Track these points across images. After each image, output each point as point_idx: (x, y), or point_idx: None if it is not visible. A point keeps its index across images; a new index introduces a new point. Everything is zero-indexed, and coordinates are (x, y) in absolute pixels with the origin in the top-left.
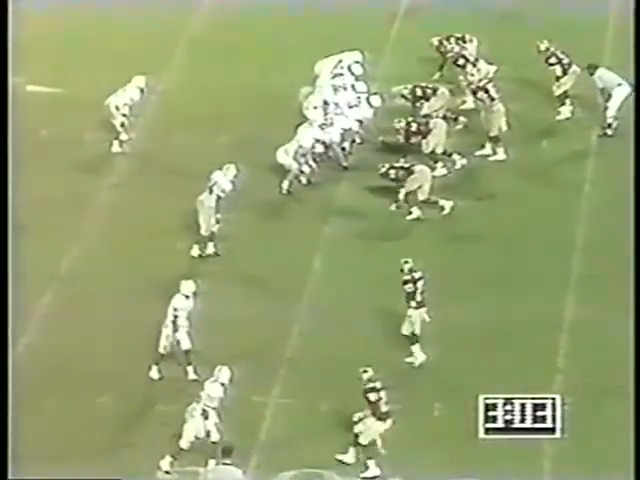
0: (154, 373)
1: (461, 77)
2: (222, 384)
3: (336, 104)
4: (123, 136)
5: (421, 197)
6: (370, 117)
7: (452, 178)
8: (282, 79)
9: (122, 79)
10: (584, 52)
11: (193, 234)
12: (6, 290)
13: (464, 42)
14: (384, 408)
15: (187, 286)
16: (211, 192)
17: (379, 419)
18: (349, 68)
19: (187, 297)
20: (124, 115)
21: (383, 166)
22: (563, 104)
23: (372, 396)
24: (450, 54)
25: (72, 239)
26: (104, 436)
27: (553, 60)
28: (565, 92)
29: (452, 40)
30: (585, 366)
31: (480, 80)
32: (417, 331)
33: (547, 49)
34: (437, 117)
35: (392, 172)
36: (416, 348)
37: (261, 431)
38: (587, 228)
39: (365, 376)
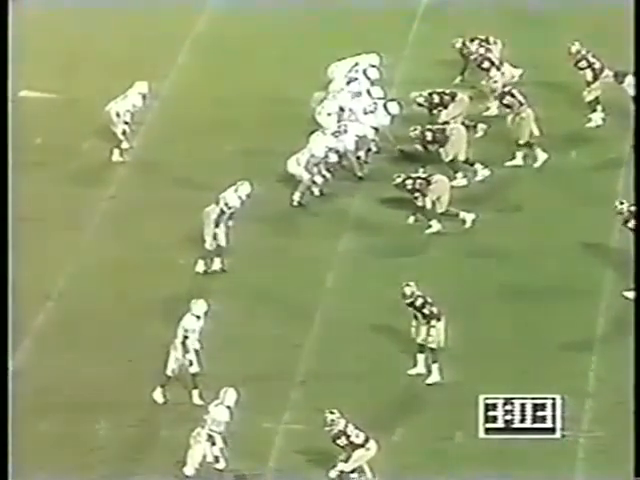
0: (158, 396)
1: (484, 81)
2: (228, 407)
3: (351, 110)
4: (124, 144)
5: (440, 209)
6: (387, 124)
7: (473, 189)
8: (293, 84)
9: (123, 84)
10: (615, 56)
11: (197, 249)
12: (6, 309)
13: (488, 44)
14: (358, 439)
15: (198, 306)
16: (217, 204)
17: (358, 448)
18: (364, 72)
19: (198, 317)
20: (125, 122)
21: (399, 176)
22: (594, 111)
23: (342, 441)
24: (474, 56)
25: (69, 254)
26: (103, 465)
27: (583, 64)
28: (596, 98)
29: (476, 42)
30: (616, 391)
31: (505, 85)
32: (433, 345)
33: (578, 52)
34: (456, 124)
35: (409, 182)
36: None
37: (270, 458)
38: (620, 243)
39: (329, 418)
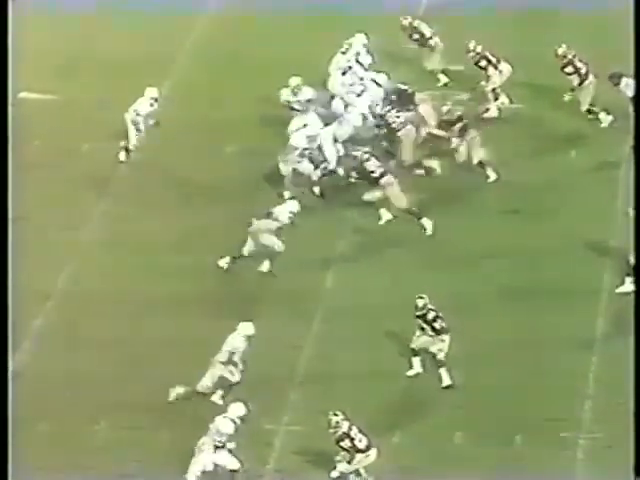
0: (172, 396)
1: (483, 82)
2: (233, 420)
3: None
4: (132, 146)
5: (400, 206)
6: (381, 96)
7: (475, 191)
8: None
9: (122, 85)
10: (610, 57)
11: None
12: (6, 309)
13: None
14: (361, 444)
15: (246, 328)
16: (267, 219)
17: (359, 452)
18: (357, 59)
19: (244, 338)
20: (138, 130)
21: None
22: (589, 112)
23: (345, 444)
24: (470, 54)
25: (69, 254)
26: (103, 466)
27: (570, 69)
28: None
29: (473, 41)
30: (616, 393)
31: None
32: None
33: (564, 56)
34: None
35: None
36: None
37: (270, 459)
38: (620, 242)
39: (333, 420)
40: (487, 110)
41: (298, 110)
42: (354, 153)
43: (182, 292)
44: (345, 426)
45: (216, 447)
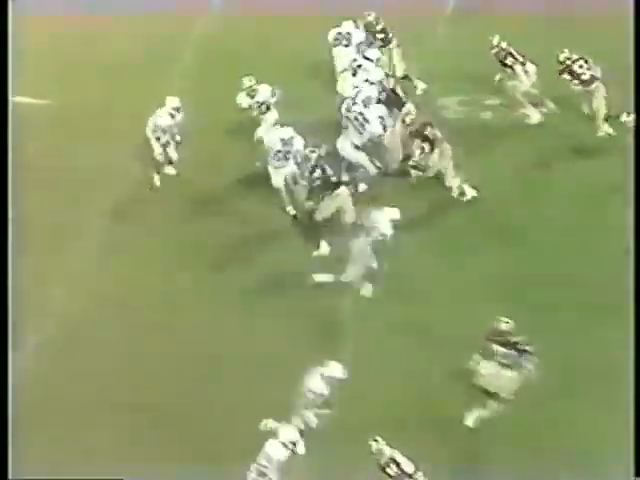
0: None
1: (516, 82)
2: (283, 444)
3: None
4: (167, 169)
5: (348, 220)
6: (376, 96)
7: (486, 205)
8: (296, 85)
9: (123, 88)
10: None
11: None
12: (6, 310)
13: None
14: (409, 468)
15: (331, 368)
16: (367, 235)
17: (408, 478)
18: (364, 56)
19: (324, 379)
20: (163, 144)
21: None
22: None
23: (392, 470)
24: (494, 51)
25: (69, 256)
26: (101, 468)
27: (566, 76)
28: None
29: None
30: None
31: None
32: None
33: (563, 62)
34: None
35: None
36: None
37: None
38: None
39: (373, 447)
40: (527, 116)
41: (262, 112)
42: (308, 154)
43: (182, 292)
44: (388, 451)
45: (259, 473)
